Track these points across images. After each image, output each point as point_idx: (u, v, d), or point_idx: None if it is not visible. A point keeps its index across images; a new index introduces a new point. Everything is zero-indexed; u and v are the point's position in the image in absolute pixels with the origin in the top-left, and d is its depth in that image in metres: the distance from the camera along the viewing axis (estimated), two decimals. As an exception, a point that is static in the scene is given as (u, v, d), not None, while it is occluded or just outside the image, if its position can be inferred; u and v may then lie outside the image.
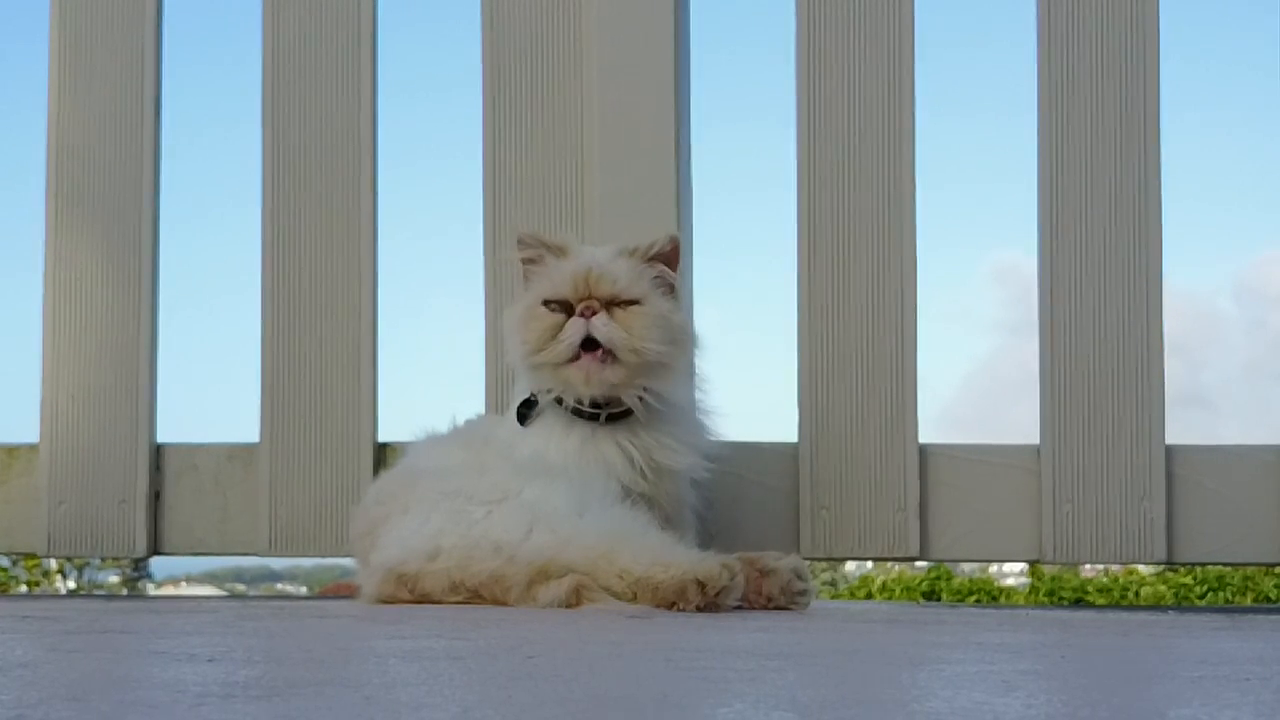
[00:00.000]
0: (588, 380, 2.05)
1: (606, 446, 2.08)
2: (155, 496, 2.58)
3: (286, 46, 2.59)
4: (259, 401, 2.56)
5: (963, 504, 2.44)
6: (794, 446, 2.45)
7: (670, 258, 2.13)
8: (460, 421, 2.27)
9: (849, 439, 2.43)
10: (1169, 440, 2.39)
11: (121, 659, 1.15)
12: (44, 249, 2.62)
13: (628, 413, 2.10)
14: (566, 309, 2.06)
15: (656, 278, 2.10)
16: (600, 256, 2.11)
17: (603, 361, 2.05)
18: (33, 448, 2.62)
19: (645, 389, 2.08)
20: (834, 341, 2.44)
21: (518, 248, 2.15)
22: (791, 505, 2.45)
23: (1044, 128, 2.43)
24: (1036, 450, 2.42)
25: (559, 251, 2.12)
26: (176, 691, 0.91)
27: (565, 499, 1.94)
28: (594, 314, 2.05)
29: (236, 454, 2.59)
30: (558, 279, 2.07)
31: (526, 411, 2.13)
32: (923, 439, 2.44)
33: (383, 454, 2.54)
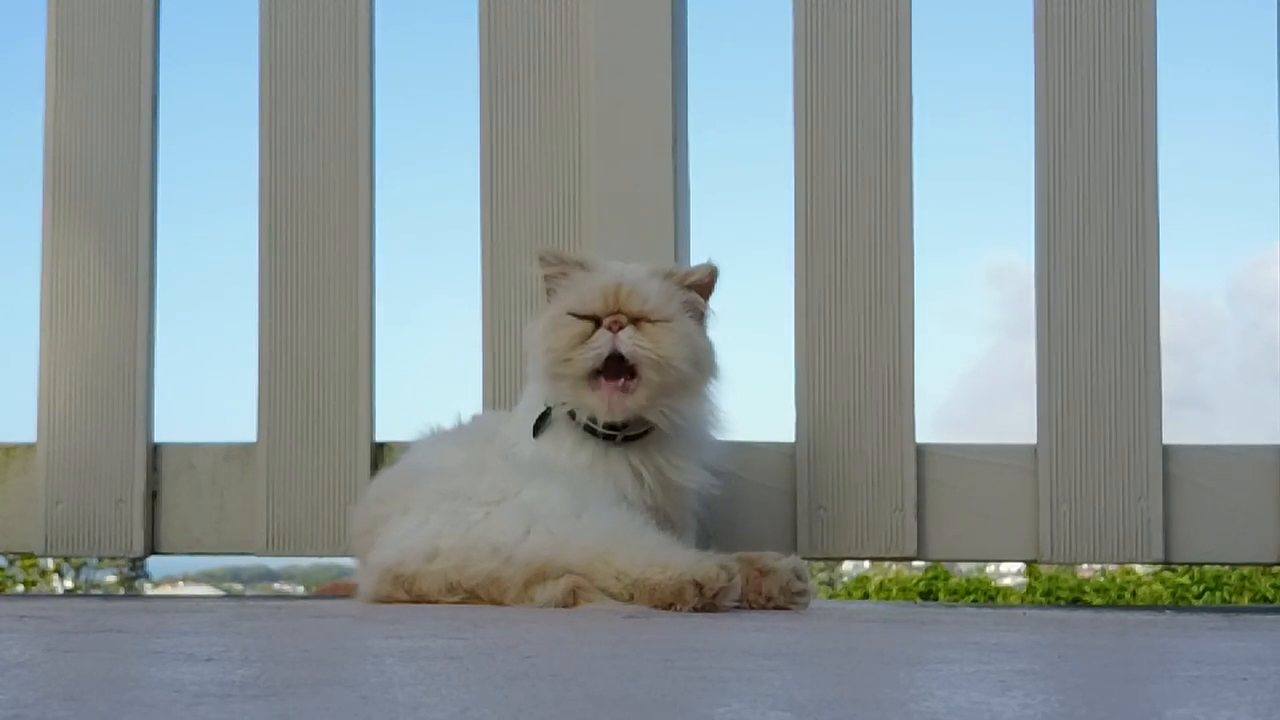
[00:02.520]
0: (609, 409, 2.01)
1: (617, 465, 2.07)
2: (152, 496, 2.58)
3: (284, 47, 2.59)
4: (256, 401, 2.56)
5: (960, 504, 2.44)
6: (791, 446, 2.45)
7: (706, 288, 2.10)
8: (466, 418, 2.27)
9: (846, 439, 2.43)
10: (1166, 440, 2.40)
11: (119, 658, 1.15)
12: (41, 248, 2.61)
13: (642, 434, 2.08)
14: (594, 321, 2.02)
15: (687, 303, 2.07)
16: (630, 273, 2.06)
17: (625, 390, 2.01)
18: (30, 447, 2.62)
19: (666, 409, 2.05)
20: (831, 341, 2.44)
21: (539, 265, 2.10)
22: (789, 505, 2.45)
23: (1041, 129, 2.43)
24: (1034, 450, 2.42)
25: (581, 267, 2.08)
26: (174, 691, 0.91)
27: (563, 500, 1.94)
28: (621, 328, 2.00)
29: (234, 453, 2.58)
30: (586, 292, 2.03)
31: (541, 424, 2.10)
32: (920, 439, 2.44)
33: (380, 453, 2.54)
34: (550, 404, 2.09)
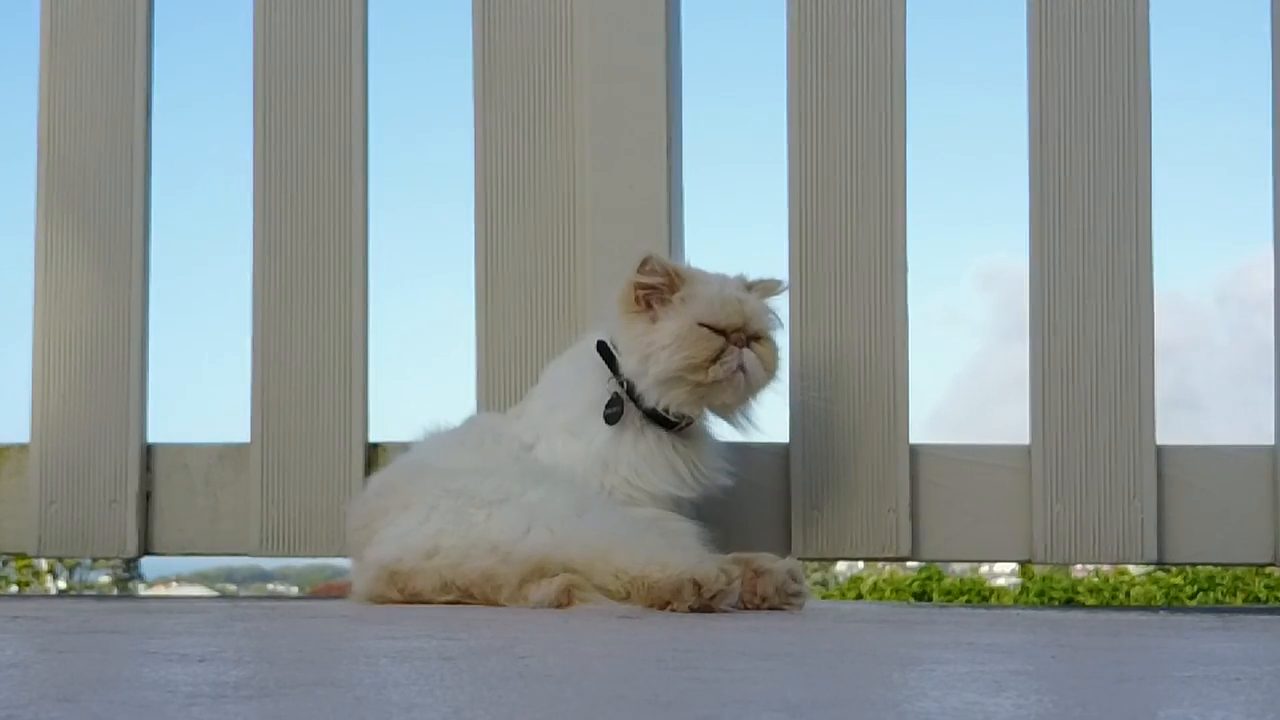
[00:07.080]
0: (738, 394, 2.14)
1: (671, 453, 2.16)
2: (146, 496, 2.58)
3: (279, 49, 2.58)
4: (249, 401, 2.55)
5: (953, 504, 2.44)
6: (785, 447, 2.45)
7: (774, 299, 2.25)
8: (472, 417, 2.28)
9: (840, 439, 2.44)
10: (1159, 441, 2.40)
11: (112, 659, 1.15)
12: (34, 248, 2.61)
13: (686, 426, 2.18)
14: (719, 334, 2.11)
15: (769, 314, 2.21)
16: (733, 288, 2.16)
17: (739, 384, 2.13)
18: (23, 447, 2.61)
19: (742, 411, 2.21)
20: (825, 342, 2.44)
21: (642, 270, 2.13)
22: (783, 505, 2.45)
23: (1035, 129, 2.43)
24: (1027, 450, 2.42)
25: (681, 279, 2.14)
26: (167, 692, 0.90)
27: (566, 501, 1.95)
28: (744, 345, 2.13)
29: (227, 454, 2.58)
30: (716, 307, 2.12)
31: (611, 411, 2.15)
32: (914, 439, 2.44)
33: (374, 454, 2.54)
34: (663, 406, 2.13)
